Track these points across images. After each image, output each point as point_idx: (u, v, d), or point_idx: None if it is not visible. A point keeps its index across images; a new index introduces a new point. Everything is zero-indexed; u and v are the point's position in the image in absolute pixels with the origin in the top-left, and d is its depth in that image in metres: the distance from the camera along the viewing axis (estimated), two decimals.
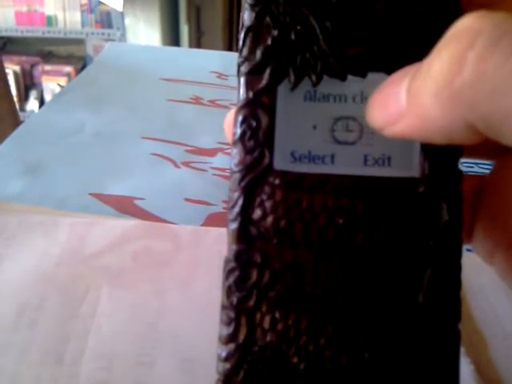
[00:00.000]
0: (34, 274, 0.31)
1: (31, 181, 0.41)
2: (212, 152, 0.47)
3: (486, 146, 0.17)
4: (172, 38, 1.74)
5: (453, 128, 0.12)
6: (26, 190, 0.39)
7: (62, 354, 0.26)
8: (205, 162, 0.46)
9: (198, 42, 1.75)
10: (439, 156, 0.15)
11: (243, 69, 0.16)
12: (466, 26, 0.12)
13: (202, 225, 0.37)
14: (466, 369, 0.26)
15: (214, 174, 0.44)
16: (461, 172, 0.15)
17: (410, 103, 0.13)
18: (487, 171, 0.18)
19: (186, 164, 0.45)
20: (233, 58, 0.79)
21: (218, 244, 0.34)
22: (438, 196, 0.15)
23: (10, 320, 0.28)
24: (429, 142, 0.13)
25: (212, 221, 0.38)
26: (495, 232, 0.17)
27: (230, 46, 1.77)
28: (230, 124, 0.18)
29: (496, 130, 0.12)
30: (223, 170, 0.45)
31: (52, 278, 0.31)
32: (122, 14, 1.74)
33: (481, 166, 0.43)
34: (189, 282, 0.31)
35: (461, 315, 0.15)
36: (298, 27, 0.16)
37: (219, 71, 0.66)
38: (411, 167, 0.15)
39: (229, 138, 0.18)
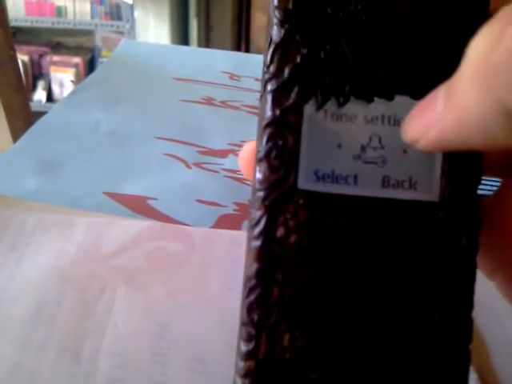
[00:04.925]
0: (51, 272, 0.32)
1: (46, 178, 0.41)
2: (223, 153, 0.48)
3: (497, 162, 0.17)
4: (181, 31, 1.74)
5: (490, 117, 0.11)
6: (41, 187, 0.40)
7: (79, 351, 0.27)
8: (216, 164, 0.46)
9: (206, 36, 1.75)
10: (459, 181, 0.15)
11: (270, 86, 0.16)
12: (507, 8, 0.11)
13: (213, 226, 0.38)
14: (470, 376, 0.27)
15: (225, 176, 0.45)
16: (479, 197, 0.16)
17: (446, 102, 0.13)
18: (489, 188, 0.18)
19: (198, 165, 0.46)
20: (244, 58, 0.79)
21: (231, 246, 0.35)
22: (457, 221, 0.15)
23: (29, 317, 0.29)
24: (465, 145, 0.13)
25: (223, 222, 0.39)
26: (497, 250, 0.17)
27: (238, 41, 1.77)
28: (245, 159, 0.18)
29: None
30: (234, 171, 0.45)
31: (69, 277, 0.31)
32: (131, 7, 1.73)
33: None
34: (201, 283, 0.32)
35: (472, 336, 0.15)
36: (328, 46, 0.15)
37: (231, 72, 0.66)
38: (432, 191, 0.16)
39: (244, 173, 0.18)
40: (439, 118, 0.13)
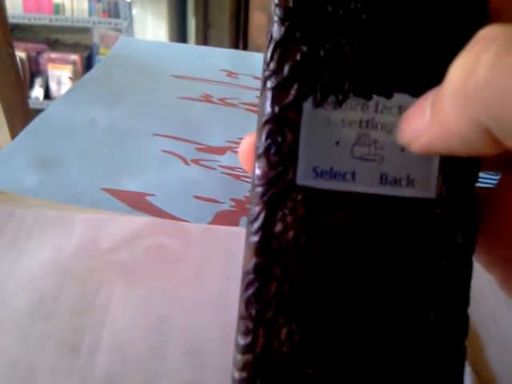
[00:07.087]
0: (50, 268, 0.32)
1: (45, 175, 0.42)
2: (221, 150, 0.48)
3: (496, 157, 0.18)
4: (179, 29, 1.74)
5: (469, 133, 0.12)
6: (40, 184, 0.40)
7: (78, 345, 0.28)
8: (214, 160, 0.47)
9: (204, 34, 1.75)
10: (456, 178, 0.16)
11: (270, 83, 0.16)
12: (483, 34, 0.12)
13: (211, 222, 0.38)
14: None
15: (223, 173, 0.45)
16: (476, 195, 0.16)
17: (432, 113, 0.14)
18: (487, 181, 0.19)
19: (196, 162, 0.46)
20: (242, 56, 0.79)
21: (228, 242, 0.35)
22: (453, 218, 0.16)
23: (28, 312, 0.29)
24: (451, 153, 0.13)
25: (220, 218, 0.39)
26: (496, 245, 0.17)
27: (236, 39, 1.77)
28: (245, 152, 0.18)
29: (509, 134, 0.12)
30: (231, 168, 0.46)
31: (68, 272, 0.32)
32: (129, 4, 1.73)
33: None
34: (199, 278, 0.33)
35: (468, 332, 0.16)
36: (327, 45, 0.16)
37: (229, 69, 0.66)
38: (429, 188, 0.16)
39: (244, 166, 0.18)
40: (427, 126, 0.14)
